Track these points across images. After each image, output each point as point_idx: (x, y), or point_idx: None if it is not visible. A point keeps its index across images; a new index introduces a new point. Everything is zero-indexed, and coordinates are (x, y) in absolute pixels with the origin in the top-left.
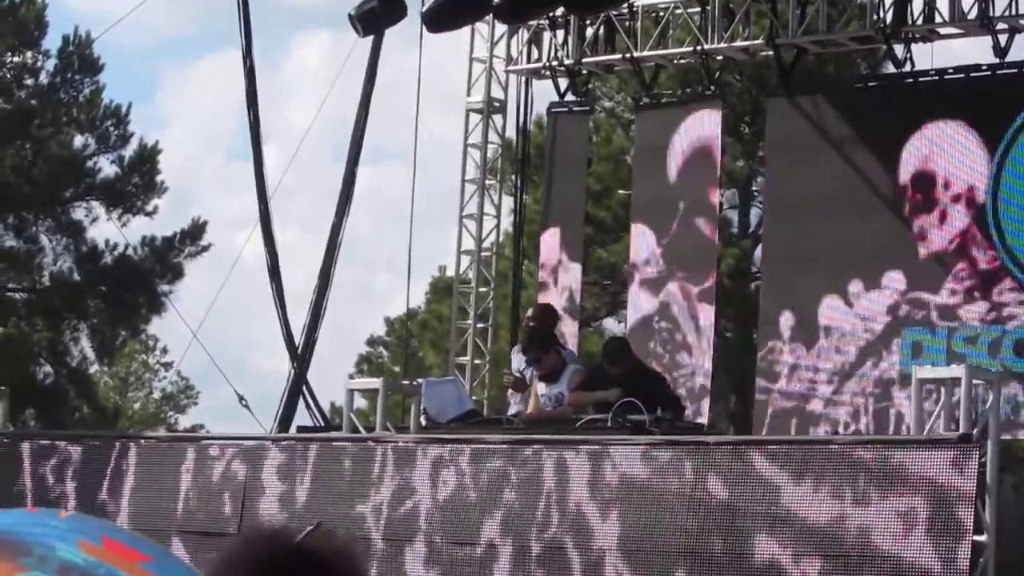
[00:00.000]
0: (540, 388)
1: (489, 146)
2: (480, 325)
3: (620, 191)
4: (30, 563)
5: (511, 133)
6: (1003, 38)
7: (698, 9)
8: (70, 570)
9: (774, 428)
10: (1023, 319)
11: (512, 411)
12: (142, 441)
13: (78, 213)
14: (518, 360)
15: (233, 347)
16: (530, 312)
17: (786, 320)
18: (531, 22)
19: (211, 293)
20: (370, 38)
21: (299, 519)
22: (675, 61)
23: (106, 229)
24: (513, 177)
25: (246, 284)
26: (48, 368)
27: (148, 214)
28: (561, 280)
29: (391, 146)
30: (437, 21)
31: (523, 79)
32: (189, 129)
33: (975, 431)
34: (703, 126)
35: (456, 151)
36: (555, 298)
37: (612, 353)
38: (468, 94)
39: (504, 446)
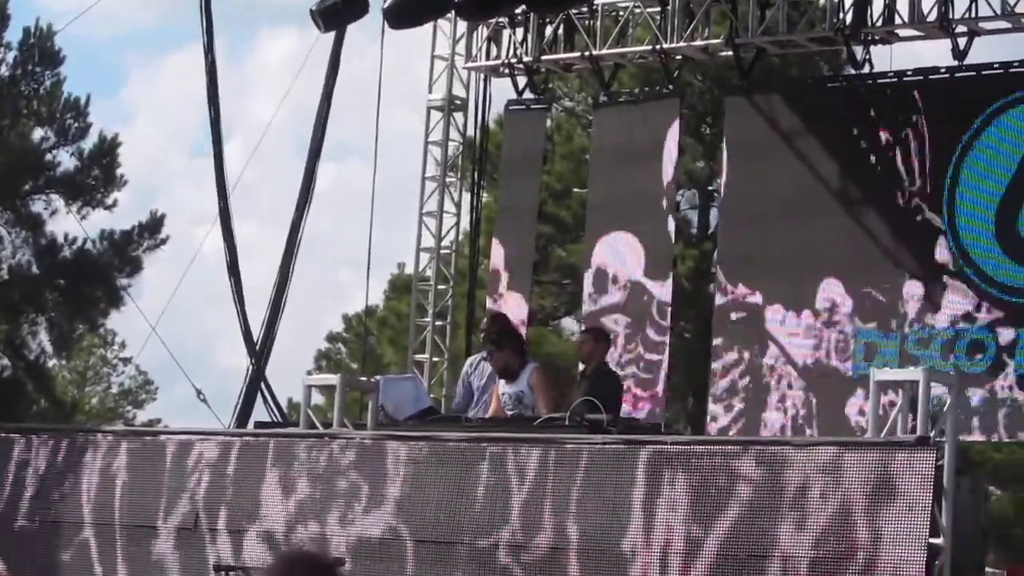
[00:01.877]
0: (501, 386)
1: (450, 143)
2: (439, 323)
3: (578, 190)
4: None
5: (472, 131)
6: (962, 40)
7: (658, 8)
8: None
9: (730, 429)
10: (976, 321)
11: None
12: (98, 435)
13: (37, 206)
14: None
15: (193, 342)
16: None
17: (741, 321)
18: (492, 20)
19: (172, 288)
20: (332, 34)
21: (253, 515)
22: (634, 60)
23: (65, 223)
24: (472, 175)
25: (207, 279)
26: (6, 361)
27: (108, 207)
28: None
29: (354, 142)
30: (399, 17)
31: (482, 76)
32: (155, 123)
33: (932, 433)
34: (662, 125)
35: (418, 148)
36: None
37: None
38: (429, 91)
39: (461, 444)
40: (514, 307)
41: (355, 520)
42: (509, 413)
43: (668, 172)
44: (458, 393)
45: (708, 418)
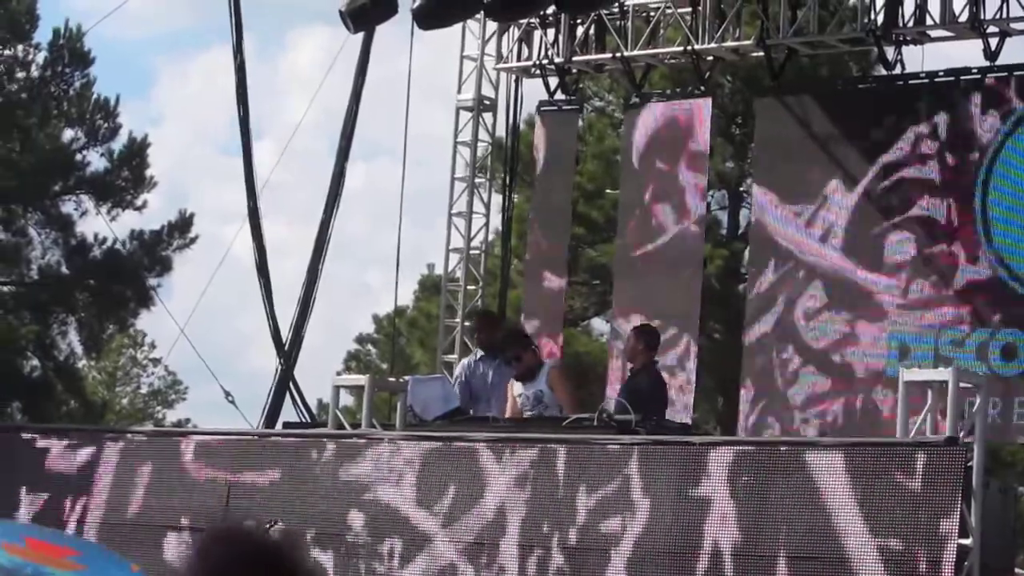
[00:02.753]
0: (516, 387)
1: (479, 144)
2: (468, 323)
3: (610, 190)
4: None
5: (501, 131)
6: (994, 41)
7: (689, 9)
8: None
9: (760, 429)
10: (1010, 322)
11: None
12: (128, 436)
13: (67, 207)
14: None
15: (223, 342)
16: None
17: (772, 321)
18: (522, 20)
19: (202, 288)
20: (362, 34)
21: (282, 515)
22: (665, 61)
23: (95, 223)
24: (502, 175)
25: (237, 279)
26: (35, 362)
27: (138, 208)
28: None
29: (386, 142)
30: (428, 18)
31: (513, 77)
32: (185, 123)
33: (961, 434)
34: (693, 126)
35: (448, 148)
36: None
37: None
38: (458, 92)
39: (489, 444)
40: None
41: (381, 518)
42: (528, 413)
43: (698, 172)
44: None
45: (740, 418)
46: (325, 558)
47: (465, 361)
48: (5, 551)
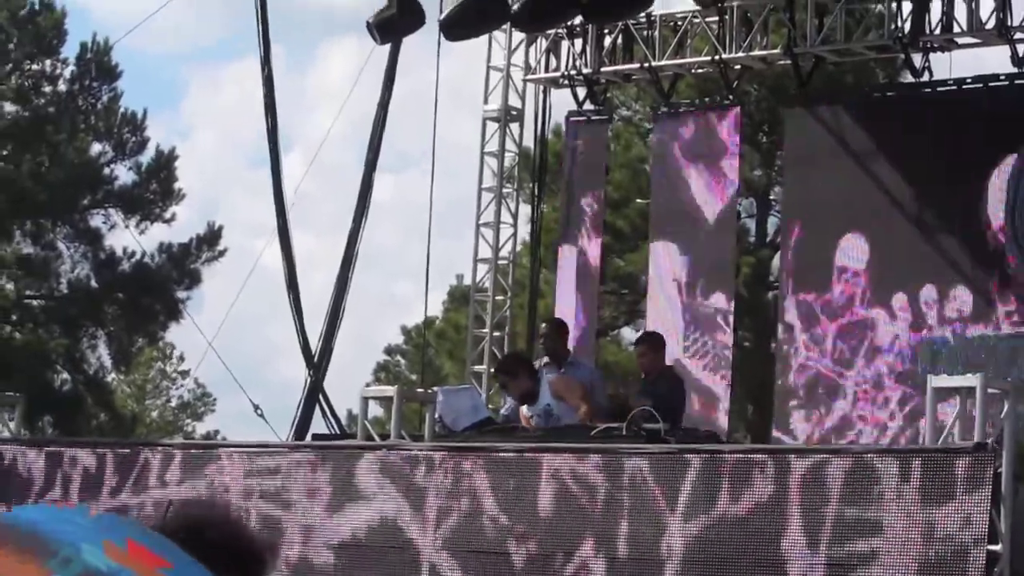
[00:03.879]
0: (524, 410)
1: (507, 154)
2: (496, 334)
3: (639, 200)
4: (53, 565)
5: (528, 142)
6: (1021, 48)
7: (716, 18)
8: (92, 575)
9: (791, 437)
10: None
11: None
12: (158, 448)
13: (96, 220)
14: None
15: (252, 354)
16: (544, 326)
17: (804, 330)
18: (549, 31)
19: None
20: (389, 45)
21: (313, 526)
22: (693, 70)
23: (124, 236)
24: (530, 185)
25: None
26: (65, 375)
27: (166, 221)
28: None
29: (415, 153)
30: (455, 29)
31: (541, 88)
32: (215, 135)
33: (990, 440)
34: (721, 135)
35: (475, 159)
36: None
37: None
38: (485, 102)
39: (519, 455)
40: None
41: (410, 530)
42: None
43: (728, 181)
44: (508, 405)
45: (772, 426)
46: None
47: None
48: (103, 552)
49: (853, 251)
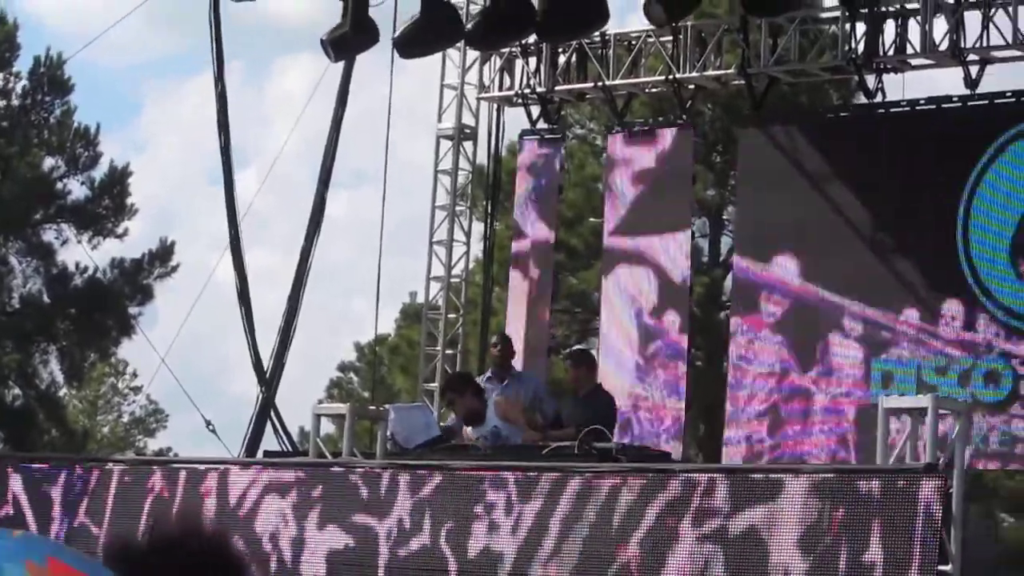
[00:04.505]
0: (468, 432)
1: (460, 172)
2: (449, 351)
3: (592, 219)
4: None
5: (482, 159)
6: (974, 69)
7: (670, 38)
8: None
9: (742, 456)
10: (993, 351)
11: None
12: (108, 464)
13: (48, 235)
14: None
15: (206, 370)
16: (494, 339)
17: (754, 349)
18: (503, 49)
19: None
20: (343, 63)
21: (263, 543)
22: (647, 90)
23: (76, 251)
24: (483, 203)
25: (220, 307)
26: (17, 390)
27: (119, 236)
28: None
29: (368, 171)
30: (409, 47)
31: (495, 106)
32: (172, 150)
33: (941, 461)
34: (674, 154)
35: (429, 177)
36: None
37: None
38: (439, 120)
39: (471, 473)
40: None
41: (360, 548)
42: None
43: (681, 201)
44: (451, 419)
45: (723, 445)
46: None
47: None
48: (25, 571)
49: (806, 271)
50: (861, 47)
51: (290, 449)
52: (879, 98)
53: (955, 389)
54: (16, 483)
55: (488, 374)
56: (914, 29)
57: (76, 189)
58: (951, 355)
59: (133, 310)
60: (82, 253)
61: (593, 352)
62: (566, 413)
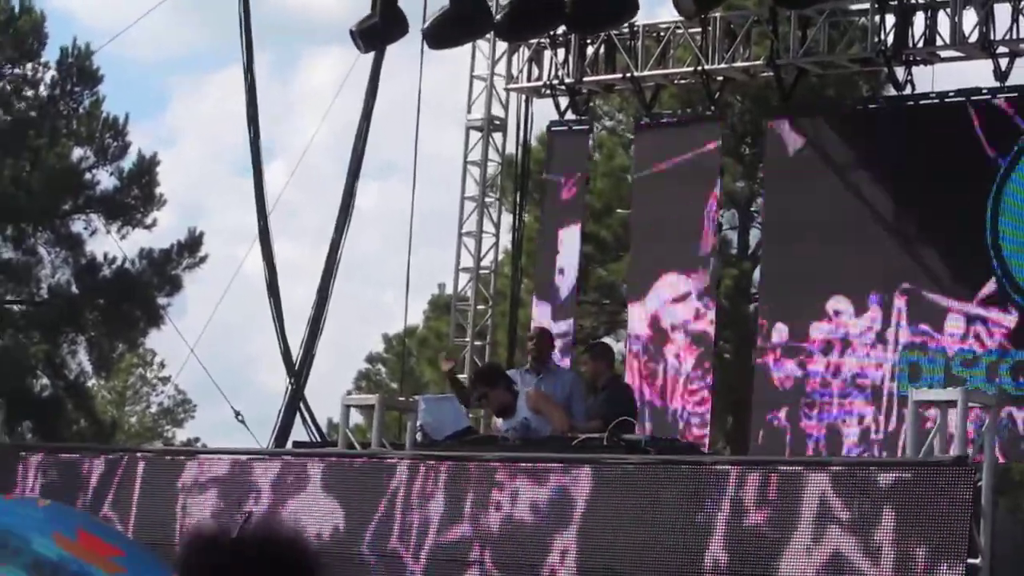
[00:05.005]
0: (498, 424)
1: (489, 163)
2: (478, 343)
3: (620, 210)
4: (4, 556)
5: (511, 151)
6: (1004, 61)
7: (699, 29)
8: (43, 566)
9: (770, 449)
10: (1020, 343)
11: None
12: (137, 455)
13: (77, 225)
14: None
15: (234, 361)
16: (529, 333)
17: (783, 341)
18: (532, 40)
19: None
20: (373, 54)
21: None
22: (676, 81)
23: (105, 242)
24: (513, 194)
25: (249, 299)
26: (45, 380)
27: (147, 227)
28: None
29: (398, 162)
30: (438, 38)
31: (523, 97)
32: (200, 142)
33: (970, 454)
34: (703, 146)
35: (458, 168)
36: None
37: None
38: (468, 111)
39: (500, 464)
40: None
41: (390, 539)
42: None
43: (709, 192)
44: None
45: (753, 437)
46: None
47: (513, 371)
48: (54, 542)
49: (834, 263)
50: (890, 39)
51: (319, 440)
52: (908, 90)
53: (982, 383)
54: (43, 472)
55: (525, 367)
56: (944, 21)
57: (105, 180)
58: (979, 347)
59: (162, 300)
60: (111, 244)
61: (611, 343)
62: (588, 405)
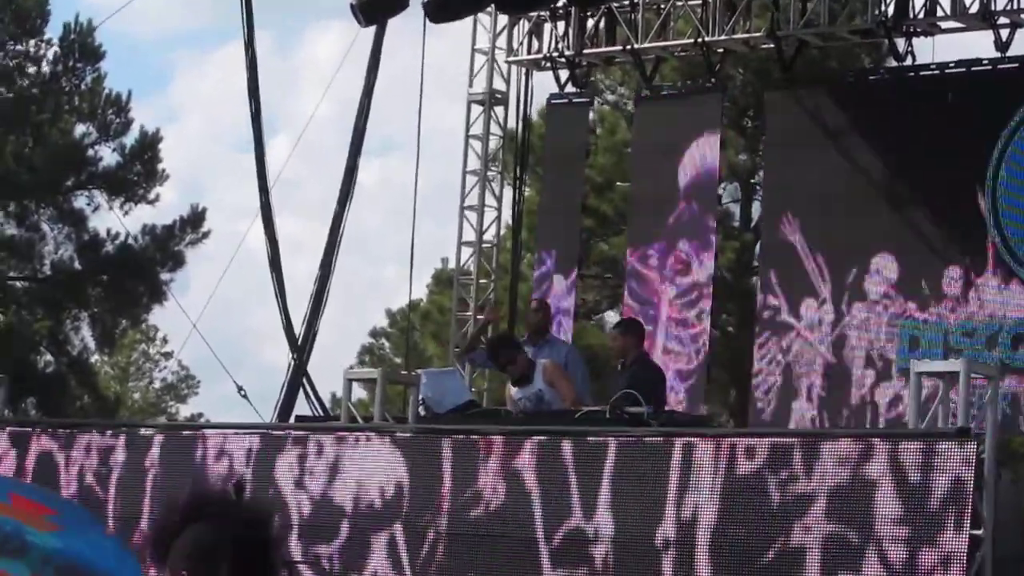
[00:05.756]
0: (513, 392)
1: (491, 137)
2: (480, 317)
3: (621, 183)
4: None
5: (513, 124)
6: (1004, 32)
7: (699, 1)
8: None
9: (771, 421)
10: (1021, 313)
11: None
12: (141, 430)
13: (79, 201)
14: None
15: (236, 337)
16: (534, 304)
17: (783, 313)
18: (532, 13)
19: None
20: (374, 28)
21: (293, 508)
22: (676, 53)
23: (108, 218)
24: (513, 168)
25: (252, 274)
26: (49, 357)
27: (150, 202)
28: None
29: (399, 137)
30: (439, 11)
31: (524, 70)
32: (203, 119)
33: (973, 425)
34: (703, 117)
35: (460, 142)
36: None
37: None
38: (470, 85)
39: (503, 437)
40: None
41: (390, 511)
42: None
43: (710, 165)
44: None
45: (752, 409)
46: (323, 550)
47: None
48: None
49: (836, 235)
50: (891, 10)
51: (322, 414)
52: (909, 61)
53: (983, 353)
54: (44, 448)
55: (524, 338)
56: None
57: (107, 156)
58: (979, 318)
59: (164, 276)
60: (113, 220)
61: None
62: (613, 383)
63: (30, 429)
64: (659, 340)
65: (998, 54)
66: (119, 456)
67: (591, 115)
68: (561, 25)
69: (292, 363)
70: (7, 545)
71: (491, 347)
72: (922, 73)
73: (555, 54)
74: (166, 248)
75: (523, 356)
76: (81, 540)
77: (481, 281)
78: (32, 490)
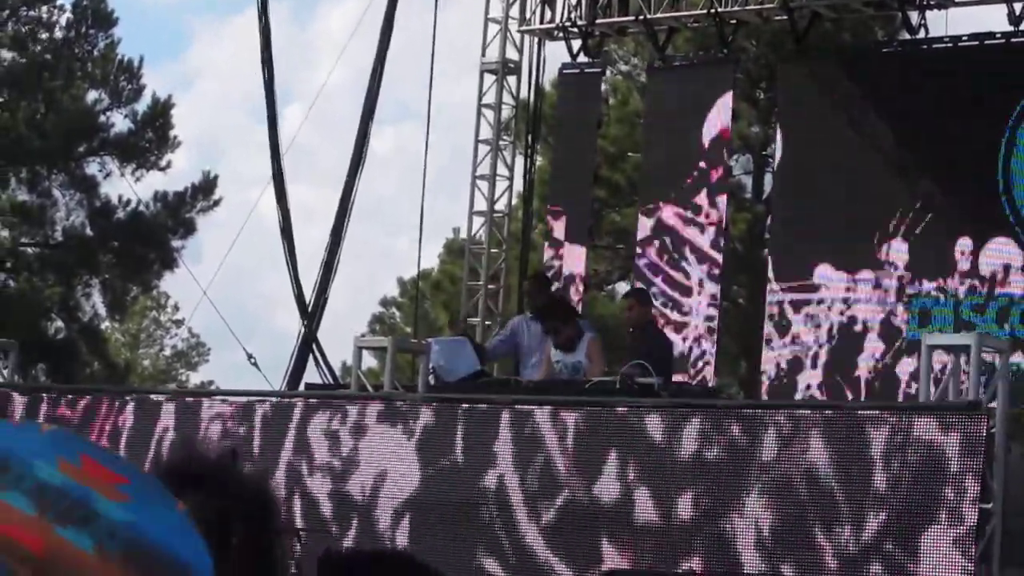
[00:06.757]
0: (555, 355)
1: (503, 107)
2: (491, 286)
3: (633, 154)
4: (6, 481)
5: (525, 94)
6: (1018, 6)
7: None
8: (46, 491)
9: (782, 393)
10: None
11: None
12: (151, 396)
13: (91, 168)
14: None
15: (247, 305)
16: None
17: (795, 285)
18: None
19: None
20: None
21: (303, 475)
22: (689, 24)
23: (119, 184)
24: (525, 137)
25: (263, 242)
26: (59, 323)
27: (162, 169)
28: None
29: (414, 106)
30: None
31: (536, 40)
32: (217, 86)
33: (984, 399)
34: (716, 89)
35: (472, 111)
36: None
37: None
38: (483, 54)
39: (512, 406)
40: (575, 260)
41: (400, 481)
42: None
43: (722, 136)
44: (502, 336)
45: (763, 379)
46: (330, 517)
47: (519, 318)
48: (58, 468)
49: (847, 207)
50: None
51: (332, 382)
52: (922, 34)
53: (993, 328)
54: (54, 415)
55: (529, 316)
56: None
57: (119, 122)
58: (989, 293)
59: (176, 243)
60: (125, 186)
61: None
62: (625, 353)
63: (41, 395)
64: (668, 311)
65: (1011, 28)
66: (128, 422)
67: (603, 85)
68: None
69: (302, 331)
70: (73, 512)
71: (545, 309)
72: (935, 46)
73: (568, 24)
74: (177, 215)
75: (569, 327)
76: (149, 514)
77: (492, 251)
78: (105, 454)
